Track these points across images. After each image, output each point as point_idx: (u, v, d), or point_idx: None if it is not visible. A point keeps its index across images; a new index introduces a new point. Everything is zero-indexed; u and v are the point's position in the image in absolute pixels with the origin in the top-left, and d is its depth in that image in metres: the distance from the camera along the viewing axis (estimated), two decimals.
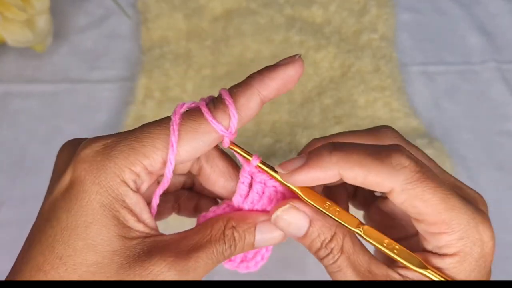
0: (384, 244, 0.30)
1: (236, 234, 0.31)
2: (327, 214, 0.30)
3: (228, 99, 0.29)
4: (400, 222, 0.35)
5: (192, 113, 0.30)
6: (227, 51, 0.74)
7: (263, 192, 0.32)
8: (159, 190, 0.31)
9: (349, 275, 0.30)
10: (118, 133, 0.31)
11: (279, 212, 0.31)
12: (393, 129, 0.34)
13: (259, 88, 0.29)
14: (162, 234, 0.30)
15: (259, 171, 0.32)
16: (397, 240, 0.31)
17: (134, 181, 0.29)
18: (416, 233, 0.31)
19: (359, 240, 0.31)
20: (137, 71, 0.73)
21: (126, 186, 0.29)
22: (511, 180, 0.65)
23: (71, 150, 0.31)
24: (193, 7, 0.79)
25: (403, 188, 0.28)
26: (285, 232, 0.31)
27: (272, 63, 0.31)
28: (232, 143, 0.31)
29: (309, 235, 0.31)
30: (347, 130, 0.66)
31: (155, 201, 0.32)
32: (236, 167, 0.34)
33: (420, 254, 0.30)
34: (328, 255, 0.31)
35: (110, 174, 0.28)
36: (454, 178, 0.32)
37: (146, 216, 0.30)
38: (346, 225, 0.30)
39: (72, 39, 0.79)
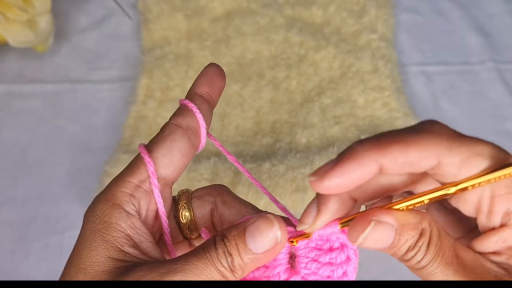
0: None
1: (225, 240, 0.28)
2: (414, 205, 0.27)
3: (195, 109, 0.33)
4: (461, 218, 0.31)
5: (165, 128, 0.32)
6: (227, 51, 0.75)
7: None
8: (161, 210, 0.31)
9: (438, 270, 0.27)
10: None
11: (366, 233, 0.27)
12: None
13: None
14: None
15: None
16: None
17: (129, 202, 0.30)
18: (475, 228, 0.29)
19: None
20: (138, 71, 0.74)
21: (120, 209, 0.29)
22: None
23: None
24: (193, 8, 0.80)
25: (452, 148, 0.25)
26: (369, 248, 0.28)
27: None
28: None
29: (395, 244, 0.27)
30: (346, 130, 0.67)
31: (165, 224, 0.31)
32: (249, 204, 0.34)
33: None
34: (414, 255, 0.27)
35: (103, 202, 0.30)
36: None
37: (147, 245, 0.30)
38: (438, 193, 0.26)
39: (73, 40, 0.80)
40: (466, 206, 0.27)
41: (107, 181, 0.59)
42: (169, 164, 0.31)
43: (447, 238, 0.28)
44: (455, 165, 0.25)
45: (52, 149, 0.68)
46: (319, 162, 0.59)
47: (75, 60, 0.77)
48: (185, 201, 0.34)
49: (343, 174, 0.25)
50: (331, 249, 0.30)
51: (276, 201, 0.32)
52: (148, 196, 0.31)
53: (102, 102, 0.72)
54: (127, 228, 0.29)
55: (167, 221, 0.31)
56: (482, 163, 0.25)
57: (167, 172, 0.31)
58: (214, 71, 0.34)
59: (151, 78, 0.72)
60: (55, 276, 0.58)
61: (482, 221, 0.28)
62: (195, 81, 0.34)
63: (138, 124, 0.67)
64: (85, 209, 0.30)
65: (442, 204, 0.32)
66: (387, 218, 0.27)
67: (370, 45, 0.75)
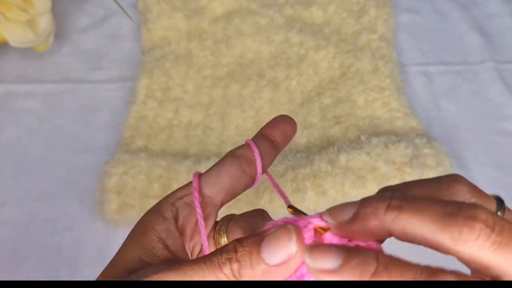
0: None
1: (237, 245, 0.26)
2: None
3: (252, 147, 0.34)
4: None
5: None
6: (227, 52, 0.75)
7: None
8: (199, 214, 0.32)
9: None
10: None
11: None
12: (465, 180, 0.26)
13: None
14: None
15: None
16: None
17: (168, 209, 0.32)
18: None
19: None
20: (138, 71, 0.74)
21: (159, 214, 0.31)
22: (509, 179, 0.65)
23: None
24: (193, 8, 0.80)
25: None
26: None
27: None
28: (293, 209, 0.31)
29: None
30: (346, 130, 0.67)
31: (202, 227, 0.32)
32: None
33: None
34: None
35: (150, 211, 0.32)
36: None
37: (176, 247, 0.30)
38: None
39: (74, 40, 0.80)
40: None
41: (108, 181, 0.60)
42: (214, 183, 0.33)
43: None
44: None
45: (52, 149, 0.68)
46: (319, 162, 0.59)
47: (75, 60, 0.77)
48: (223, 227, 0.34)
49: (356, 230, 0.26)
50: (357, 246, 0.29)
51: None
52: (188, 208, 0.32)
53: (102, 102, 0.72)
54: (161, 232, 0.30)
55: (203, 223, 0.32)
56: None
57: (212, 191, 0.33)
58: (282, 118, 0.37)
59: (151, 78, 0.72)
60: (55, 276, 0.58)
61: None
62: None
63: (138, 124, 0.68)
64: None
65: None
66: None
67: (370, 45, 0.75)
